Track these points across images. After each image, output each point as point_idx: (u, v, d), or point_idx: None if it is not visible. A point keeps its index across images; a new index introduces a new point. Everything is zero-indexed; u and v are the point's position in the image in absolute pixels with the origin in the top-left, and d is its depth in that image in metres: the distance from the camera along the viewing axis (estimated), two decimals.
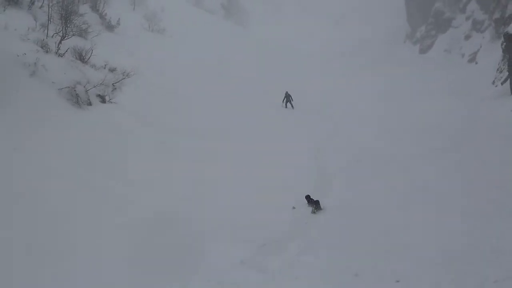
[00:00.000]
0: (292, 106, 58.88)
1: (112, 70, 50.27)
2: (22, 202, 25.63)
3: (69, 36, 52.22)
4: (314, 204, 24.94)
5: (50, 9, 56.66)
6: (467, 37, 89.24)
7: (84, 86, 44.10)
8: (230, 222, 27.36)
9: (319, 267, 20.52)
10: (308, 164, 37.81)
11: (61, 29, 52.31)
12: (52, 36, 51.08)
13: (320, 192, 32.39)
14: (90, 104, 43.32)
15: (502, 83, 65.06)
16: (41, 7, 59.96)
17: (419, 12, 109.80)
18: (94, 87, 45.05)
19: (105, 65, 51.60)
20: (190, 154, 40.19)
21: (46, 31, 51.90)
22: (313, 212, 24.75)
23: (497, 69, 69.84)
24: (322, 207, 25.28)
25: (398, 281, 18.27)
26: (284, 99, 59.20)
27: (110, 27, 71.95)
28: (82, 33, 56.61)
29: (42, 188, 27.99)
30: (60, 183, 29.20)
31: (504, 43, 62.56)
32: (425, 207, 27.75)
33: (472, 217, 25.32)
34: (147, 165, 37.01)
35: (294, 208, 24.64)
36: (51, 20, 54.22)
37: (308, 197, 25.24)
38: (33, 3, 59.99)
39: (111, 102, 45.74)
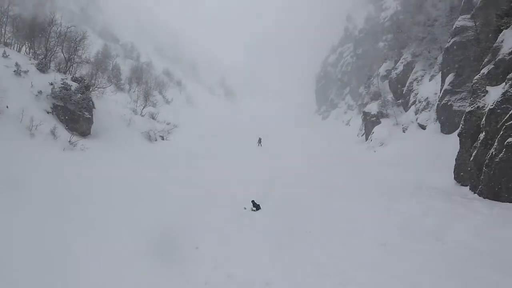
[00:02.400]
0: (261, 145, 56.98)
1: (167, 123, 50.85)
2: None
3: (147, 106, 53.09)
4: (255, 206, 22.86)
5: (138, 93, 57.88)
6: (345, 112, 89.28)
7: (154, 131, 45.28)
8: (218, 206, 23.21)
9: (268, 225, 19.66)
10: (263, 175, 33.85)
11: (143, 102, 53.12)
12: (138, 106, 51.48)
13: (268, 186, 30.76)
14: (156, 140, 44.56)
15: (361, 136, 64.77)
16: (134, 91, 60.58)
17: (322, 98, 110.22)
18: (158, 132, 46.58)
19: (164, 121, 52.10)
20: (203, 168, 36.39)
21: (136, 103, 52.40)
22: (252, 210, 22.82)
23: (359, 128, 69.50)
24: (261, 207, 22.97)
25: (309, 232, 17.70)
26: (258, 141, 57.14)
27: (167, 102, 71.82)
28: (154, 105, 56.87)
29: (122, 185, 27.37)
30: (131, 181, 27.45)
31: (362, 116, 63.66)
32: (322, 195, 25.64)
33: (356, 199, 23.77)
34: (179, 171, 34.27)
35: (245, 208, 22.51)
36: (138, 98, 54.94)
37: (253, 202, 23.10)
38: (129, 90, 61.48)
39: (167, 140, 46.42)
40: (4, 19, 41.22)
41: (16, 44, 41.30)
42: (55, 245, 14.26)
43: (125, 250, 14.77)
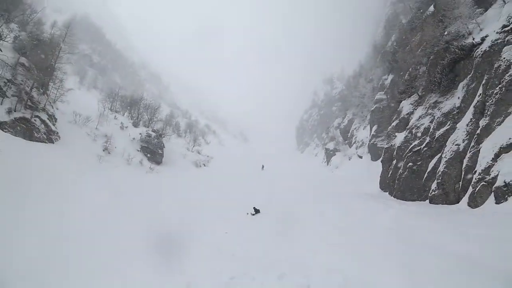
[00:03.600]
0: (263, 169, 55.09)
1: (207, 156, 50.32)
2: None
3: (195, 146, 53.12)
4: (256, 211, 19.51)
5: (189, 138, 57.98)
6: (314, 149, 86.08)
7: (199, 161, 45.00)
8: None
9: (267, 220, 17.38)
10: (264, 193, 29.57)
11: (193, 144, 53.37)
12: (190, 146, 51.74)
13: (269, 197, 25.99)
14: (201, 166, 44.11)
15: (324, 162, 63.14)
16: (187, 137, 60.06)
17: (300, 140, 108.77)
18: (202, 161, 45.88)
19: (206, 155, 51.04)
20: (227, 181, 34.29)
21: (188, 145, 52.70)
22: (253, 214, 19.40)
23: (323, 158, 67.38)
24: (260, 212, 19.45)
25: (294, 221, 16.99)
26: (262, 167, 55.55)
27: (207, 143, 72.00)
28: (199, 145, 57.13)
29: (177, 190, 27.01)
30: (179, 191, 26.32)
31: (325, 151, 63.22)
32: (302, 199, 23.46)
33: (324, 201, 22.21)
34: (209, 183, 32.44)
35: (247, 213, 19.07)
36: (190, 141, 55.35)
37: (254, 208, 19.66)
38: (185, 136, 60.73)
39: (207, 166, 45.96)
40: (116, 97, 42.94)
41: (121, 111, 42.72)
42: (146, 223, 14.49)
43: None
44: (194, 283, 9.24)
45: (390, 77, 40.08)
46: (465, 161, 15.66)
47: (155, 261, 10.55)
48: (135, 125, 38.43)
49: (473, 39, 17.72)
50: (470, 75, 17.12)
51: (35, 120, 22.07)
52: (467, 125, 16.32)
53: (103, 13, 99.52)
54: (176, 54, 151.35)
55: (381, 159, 27.83)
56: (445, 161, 16.87)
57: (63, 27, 29.95)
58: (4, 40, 24.32)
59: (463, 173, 15.72)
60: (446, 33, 20.29)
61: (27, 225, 11.90)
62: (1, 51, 22.79)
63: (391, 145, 25.10)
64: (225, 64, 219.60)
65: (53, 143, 23.25)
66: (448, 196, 16.48)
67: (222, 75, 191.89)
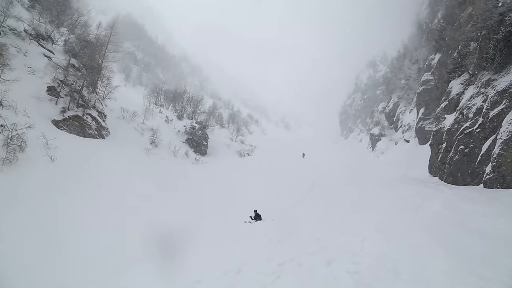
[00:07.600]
0: (304, 157, 54.37)
1: (251, 145, 50.38)
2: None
3: (238, 136, 53.69)
4: (256, 216, 16.92)
5: (233, 128, 58.71)
6: (358, 134, 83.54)
7: (243, 151, 45.42)
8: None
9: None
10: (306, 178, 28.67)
11: (236, 134, 54.08)
12: (233, 136, 52.31)
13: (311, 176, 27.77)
14: (244, 156, 44.44)
15: (369, 148, 61.75)
16: (230, 128, 60.61)
17: (343, 126, 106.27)
18: (245, 151, 46.20)
19: (249, 144, 51.33)
20: (270, 169, 34.66)
21: (232, 135, 53.31)
22: (251, 221, 16.72)
23: (368, 144, 66.00)
24: (262, 218, 16.88)
25: (340, 204, 17.21)
26: (302, 155, 54.78)
27: (250, 133, 72.05)
28: (242, 135, 57.56)
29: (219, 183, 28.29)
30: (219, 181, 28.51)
31: (370, 136, 61.61)
32: (350, 189, 22.38)
33: (369, 185, 22.74)
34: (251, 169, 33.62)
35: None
36: (233, 131, 55.97)
37: (255, 211, 17.14)
38: (228, 127, 61.37)
39: (250, 156, 45.97)
40: (160, 92, 44.37)
41: (166, 105, 44.28)
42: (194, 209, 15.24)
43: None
44: (245, 267, 9.76)
45: (437, 56, 37.88)
46: None
47: (211, 245, 11.33)
48: (180, 118, 39.67)
49: None
50: None
51: (86, 117, 23.56)
52: None
53: (144, 11, 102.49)
54: (212, 43, 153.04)
55: (429, 142, 26.63)
56: (501, 143, 15.78)
57: (107, 27, 31.42)
58: (56, 44, 26.03)
59: None
60: (500, 4, 18.77)
61: (82, 213, 13.05)
62: (54, 54, 24.40)
63: (440, 127, 23.87)
64: (262, 49, 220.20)
65: (104, 138, 24.70)
66: (504, 179, 15.44)
67: (259, 61, 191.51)
